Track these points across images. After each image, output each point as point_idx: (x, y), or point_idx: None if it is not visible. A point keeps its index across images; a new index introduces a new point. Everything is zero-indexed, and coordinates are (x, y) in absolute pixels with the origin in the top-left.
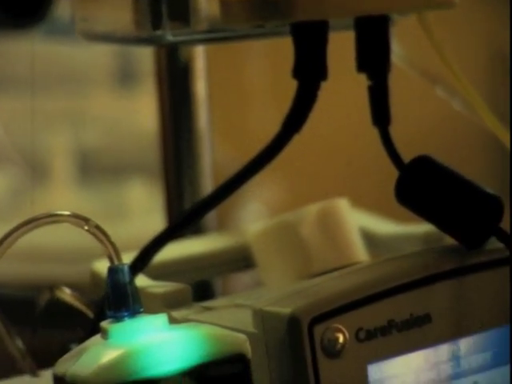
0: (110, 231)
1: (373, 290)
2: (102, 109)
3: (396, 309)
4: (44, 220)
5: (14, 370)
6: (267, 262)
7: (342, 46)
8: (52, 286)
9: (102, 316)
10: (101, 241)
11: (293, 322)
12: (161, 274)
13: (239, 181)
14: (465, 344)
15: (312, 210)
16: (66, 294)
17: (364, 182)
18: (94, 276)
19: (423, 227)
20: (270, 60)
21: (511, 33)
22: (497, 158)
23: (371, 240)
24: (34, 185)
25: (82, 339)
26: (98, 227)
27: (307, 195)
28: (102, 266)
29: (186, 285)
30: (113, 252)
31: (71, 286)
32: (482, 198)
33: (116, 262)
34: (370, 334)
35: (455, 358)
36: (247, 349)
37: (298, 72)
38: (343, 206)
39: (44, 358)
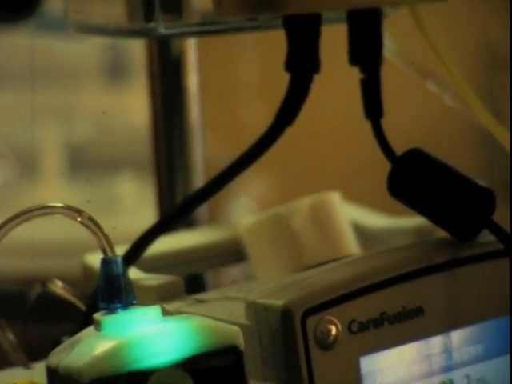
0: None
1: (365, 283)
2: (92, 103)
3: (388, 301)
4: (36, 212)
5: (5, 363)
6: (259, 255)
7: (334, 39)
8: (44, 279)
9: (94, 308)
10: (94, 233)
11: (286, 314)
12: (153, 266)
13: (231, 174)
14: (457, 336)
15: (304, 203)
16: (58, 287)
17: (356, 176)
18: (86, 269)
19: (414, 220)
20: (261, 54)
21: (511, 32)
22: (488, 151)
23: (362, 233)
24: (25, 179)
25: (74, 332)
26: (91, 219)
27: (299, 188)
28: (94, 259)
29: (179, 277)
30: (106, 244)
31: (63, 279)
32: (475, 191)
33: (109, 254)
34: (363, 326)
35: (447, 350)
36: (240, 341)
37: (291, 65)
38: (335, 199)
39: (36, 351)
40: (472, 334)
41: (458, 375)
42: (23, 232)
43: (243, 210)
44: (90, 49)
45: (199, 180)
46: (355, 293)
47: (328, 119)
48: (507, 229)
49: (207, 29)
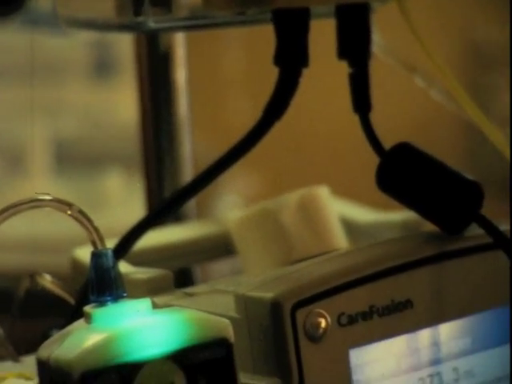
0: None
1: (354, 276)
2: (79, 99)
3: (377, 294)
4: (26, 205)
5: None
6: (248, 250)
7: (323, 34)
8: (32, 273)
9: (83, 302)
10: (84, 226)
11: (275, 306)
12: (141, 261)
13: (220, 168)
14: (445, 329)
15: (292, 197)
16: (47, 281)
17: (344, 170)
18: (75, 263)
19: (402, 215)
20: (249, 49)
21: (511, 32)
22: (475, 145)
23: (351, 228)
24: (11, 175)
25: (63, 326)
26: (81, 212)
27: (288, 183)
28: (83, 253)
29: (168, 271)
30: (96, 237)
31: (51, 275)
32: (463, 185)
33: (100, 247)
34: (352, 319)
35: (436, 343)
36: (230, 333)
37: (280, 59)
38: (323, 193)
39: (24, 346)
40: (460, 327)
41: (446, 368)
42: (11, 228)
43: (231, 205)
44: (77, 44)
45: (187, 175)
46: (344, 286)
47: (316, 113)
48: (507, 224)
49: (196, 23)
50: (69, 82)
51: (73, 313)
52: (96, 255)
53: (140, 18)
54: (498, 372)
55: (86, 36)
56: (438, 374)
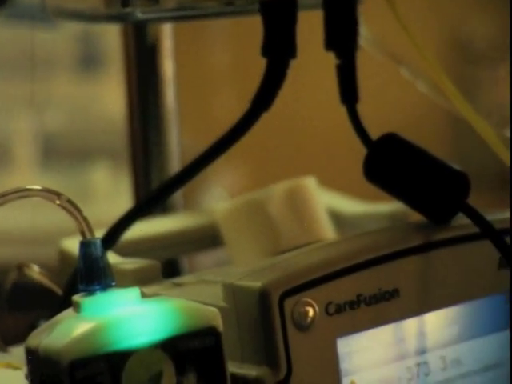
0: None
1: (342, 265)
2: (66, 92)
3: (365, 283)
4: (14, 195)
5: None
6: (235, 240)
7: (311, 25)
8: (20, 264)
9: (71, 292)
10: (73, 216)
11: (263, 295)
12: (129, 252)
13: (208, 159)
14: (432, 318)
15: (279, 188)
16: (35, 272)
17: (332, 161)
18: (63, 254)
19: (389, 206)
20: (237, 41)
21: (511, 31)
22: (461, 136)
23: (338, 219)
24: None
25: (50, 316)
26: (70, 202)
27: (275, 174)
28: (71, 244)
29: (156, 261)
30: (85, 227)
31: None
32: (450, 175)
33: (89, 237)
34: (340, 308)
35: (422, 332)
36: (219, 322)
37: (267, 50)
38: (310, 184)
39: (12, 336)
40: (447, 316)
41: (432, 357)
42: None
43: (219, 197)
44: (63, 38)
45: (175, 167)
46: (332, 275)
47: (304, 105)
48: (493, 214)
49: (184, 14)
50: (55, 76)
51: (61, 303)
52: (85, 244)
53: (128, 9)
54: (486, 361)
55: (72, 29)
56: (425, 362)
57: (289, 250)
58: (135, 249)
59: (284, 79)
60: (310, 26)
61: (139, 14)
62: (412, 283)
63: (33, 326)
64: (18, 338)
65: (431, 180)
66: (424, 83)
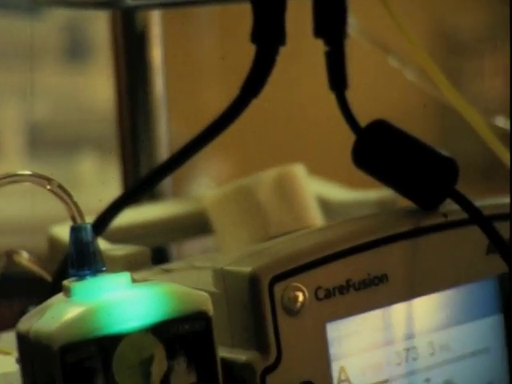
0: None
1: (332, 250)
2: (53, 81)
3: (354, 268)
4: (4, 180)
5: None
6: (224, 227)
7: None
8: (9, 251)
9: (60, 278)
10: (64, 201)
11: (253, 280)
12: (118, 239)
13: (197, 145)
14: (421, 304)
15: (268, 175)
16: (24, 259)
17: (320, 149)
18: (53, 241)
19: (377, 193)
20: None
21: (511, 29)
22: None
23: (326, 206)
24: None
25: (40, 302)
26: (60, 187)
27: (264, 161)
28: (61, 231)
29: (145, 247)
30: (76, 212)
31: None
32: (438, 161)
33: (79, 222)
34: (329, 293)
35: (411, 317)
36: (209, 306)
37: (257, 37)
38: (299, 171)
39: (2, 322)
40: (435, 301)
41: (421, 342)
42: None
43: (207, 184)
44: (50, 27)
45: (163, 154)
46: (322, 260)
47: (292, 92)
48: (482, 201)
49: (173, 0)
50: (43, 65)
51: (50, 289)
52: (75, 229)
53: None
54: (474, 346)
55: (58, 19)
56: (414, 347)
57: (278, 237)
58: (124, 236)
59: (273, 66)
60: (300, 12)
61: (128, 0)
62: (401, 269)
63: (22, 313)
64: (8, 324)
65: (420, 166)
66: (412, 71)
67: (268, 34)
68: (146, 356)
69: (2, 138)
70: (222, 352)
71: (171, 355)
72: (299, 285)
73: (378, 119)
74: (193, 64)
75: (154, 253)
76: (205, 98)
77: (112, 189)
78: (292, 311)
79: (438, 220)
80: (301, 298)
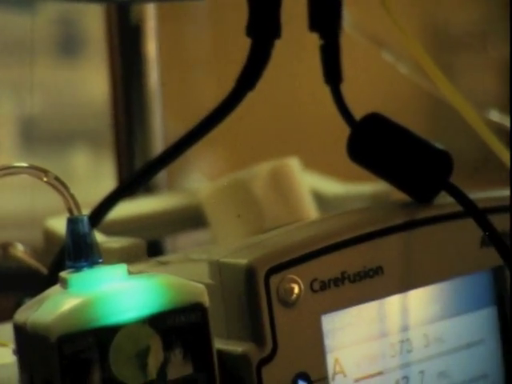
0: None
1: (327, 242)
2: (47, 75)
3: (349, 261)
4: (1, 172)
5: None
6: (219, 220)
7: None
8: (5, 243)
9: (56, 271)
10: (60, 193)
11: (249, 272)
12: (113, 232)
13: (192, 139)
14: (415, 296)
15: (263, 168)
16: (19, 251)
17: (315, 142)
18: (48, 233)
19: (372, 186)
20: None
21: (511, 30)
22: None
23: (321, 200)
24: None
25: (36, 294)
26: (57, 179)
27: (258, 155)
28: (56, 223)
29: (141, 240)
30: (73, 204)
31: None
32: (432, 153)
33: (76, 214)
34: (324, 285)
35: (406, 309)
36: (205, 298)
37: (252, 30)
38: (294, 165)
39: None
40: (430, 293)
41: (415, 334)
42: None
43: (202, 178)
44: (43, 21)
45: (158, 148)
46: (317, 252)
47: (286, 86)
48: (476, 194)
49: None
50: (36, 59)
51: (46, 281)
52: (72, 221)
53: None
54: (468, 338)
55: (52, 13)
56: (408, 339)
57: (273, 230)
58: (119, 229)
59: (268, 59)
60: (295, 6)
61: None
62: (396, 261)
63: (18, 305)
64: (4, 316)
65: (414, 159)
66: (406, 65)
67: (263, 28)
68: (142, 347)
69: None
70: (218, 343)
71: (167, 346)
72: (295, 277)
73: (373, 112)
74: (187, 58)
75: (149, 246)
76: (200, 91)
77: (106, 182)
78: (288, 303)
79: (433, 213)
80: (296, 289)
